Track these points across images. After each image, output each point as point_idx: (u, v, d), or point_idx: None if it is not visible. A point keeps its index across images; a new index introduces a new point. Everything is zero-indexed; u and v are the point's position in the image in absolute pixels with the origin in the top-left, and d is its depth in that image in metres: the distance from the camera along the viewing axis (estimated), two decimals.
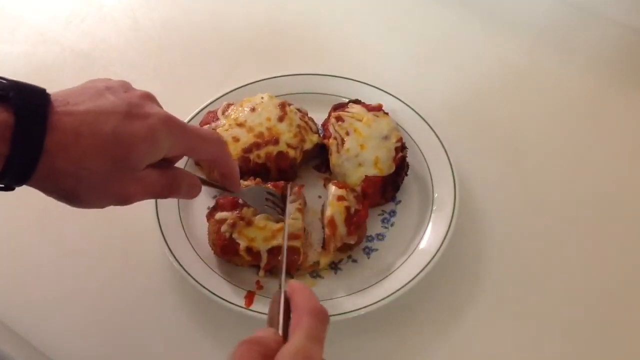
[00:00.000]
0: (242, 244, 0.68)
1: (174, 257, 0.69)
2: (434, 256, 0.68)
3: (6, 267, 0.73)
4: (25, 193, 0.76)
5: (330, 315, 0.63)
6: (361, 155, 0.74)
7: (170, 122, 0.52)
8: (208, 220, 0.71)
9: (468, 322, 0.69)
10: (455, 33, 1.02)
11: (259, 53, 0.99)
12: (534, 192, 0.81)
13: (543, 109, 0.91)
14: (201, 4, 1.06)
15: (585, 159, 0.85)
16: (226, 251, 0.68)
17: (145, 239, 0.72)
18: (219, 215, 0.69)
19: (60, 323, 0.69)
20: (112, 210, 0.75)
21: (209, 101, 0.83)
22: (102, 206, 0.51)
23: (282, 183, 0.72)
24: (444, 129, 0.80)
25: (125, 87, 0.52)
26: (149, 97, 0.53)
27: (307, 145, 0.78)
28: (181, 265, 0.68)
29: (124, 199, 0.51)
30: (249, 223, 0.68)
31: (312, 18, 1.04)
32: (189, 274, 0.67)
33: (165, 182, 0.54)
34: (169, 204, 0.73)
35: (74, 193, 0.49)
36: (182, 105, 0.84)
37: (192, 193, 0.59)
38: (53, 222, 0.76)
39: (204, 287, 0.67)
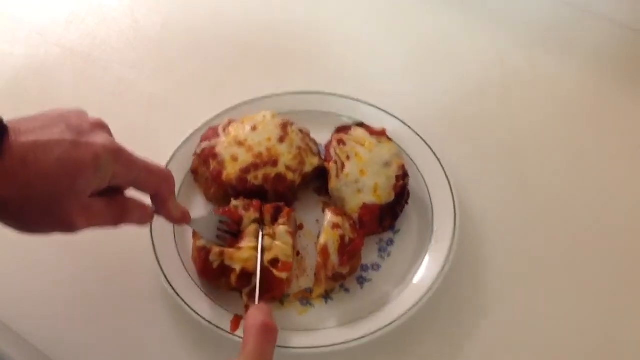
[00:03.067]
0: (237, 268, 0.66)
1: (166, 279, 0.68)
2: (428, 291, 0.66)
3: (6, 267, 0.73)
4: None
5: (319, 347, 0.64)
6: (361, 181, 0.72)
7: (116, 151, 0.53)
8: (193, 236, 0.70)
9: (467, 354, 0.68)
10: (456, 38, 1.01)
11: (259, 53, 0.98)
12: (539, 219, 0.78)
13: (547, 117, 0.90)
14: (201, 4, 1.06)
15: (594, 174, 0.83)
16: (206, 274, 0.67)
17: (144, 240, 0.71)
18: (200, 242, 0.68)
19: (60, 323, 0.69)
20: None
21: (211, 116, 0.81)
22: (48, 233, 0.52)
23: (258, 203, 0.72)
24: (444, 142, 0.80)
25: (79, 114, 0.53)
26: (100, 125, 0.54)
27: (307, 169, 0.76)
28: (172, 288, 0.67)
29: (69, 227, 0.52)
30: (238, 248, 0.67)
31: (314, 21, 1.04)
32: (181, 298, 0.66)
33: (113, 211, 0.55)
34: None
35: (18, 220, 0.51)
36: (182, 105, 0.84)
37: (144, 220, 0.60)
38: None
39: (193, 310, 0.65)
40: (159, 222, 0.71)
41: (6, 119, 0.49)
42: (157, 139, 0.78)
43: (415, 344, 0.67)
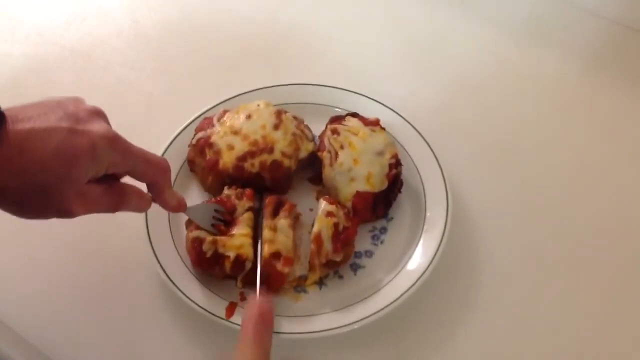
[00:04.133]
0: (231, 255, 0.67)
1: (161, 266, 0.68)
2: (421, 276, 0.67)
3: (6, 267, 0.73)
4: None
5: (313, 332, 0.64)
6: (354, 170, 0.73)
7: (113, 139, 0.53)
8: (186, 227, 0.70)
9: (459, 341, 0.68)
10: (453, 34, 1.02)
11: (259, 54, 0.99)
12: (531, 208, 0.80)
13: (542, 112, 0.91)
14: (201, 5, 1.06)
15: (588, 168, 0.85)
16: (201, 264, 0.68)
17: (143, 239, 0.71)
18: (193, 234, 0.68)
19: (60, 323, 0.69)
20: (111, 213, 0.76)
21: (206, 108, 0.82)
22: (46, 218, 0.53)
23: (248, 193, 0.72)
24: (438, 135, 0.80)
25: (76, 102, 0.54)
26: (97, 113, 0.54)
27: (302, 154, 0.77)
28: (167, 276, 0.67)
29: (67, 213, 0.53)
30: (230, 235, 0.68)
31: (312, 21, 1.05)
32: (176, 286, 0.67)
33: (110, 198, 0.56)
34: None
35: (17, 206, 0.51)
36: (182, 105, 0.84)
37: (142, 207, 0.61)
38: (53, 222, 0.74)
39: (189, 298, 0.66)
40: (154, 213, 0.71)
41: (3, 107, 0.49)
42: (156, 138, 0.78)
43: (408, 329, 0.69)
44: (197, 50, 0.99)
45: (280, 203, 0.72)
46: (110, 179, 0.56)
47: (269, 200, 0.71)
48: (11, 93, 0.92)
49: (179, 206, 0.65)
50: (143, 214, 0.71)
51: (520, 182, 0.83)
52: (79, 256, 0.73)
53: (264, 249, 0.66)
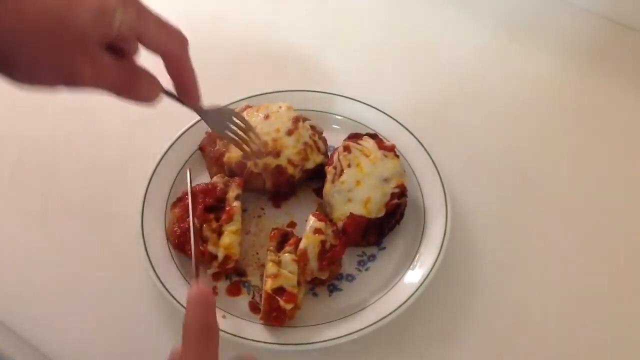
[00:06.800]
0: (220, 255, 0.68)
1: (154, 270, 0.69)
2: (388, 315, 0.65)
3: (6, 267, 0.74)
4: (26, 194, 0.80)
5: (272, 343, 0.64)
6: (354, 191, 0.72)
7: None
8: (171, 209, 0.72)
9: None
10: (451, 36, 1.01)
11: (260, 55, 0.98)
12: (529, 212, 0.79)
13: (540, 114, 0.90)
14: (201, 5, 1.06)
15: (593, 175, 0.83)
16: (181, 247, 0.69)
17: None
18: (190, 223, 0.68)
19: (60, 323, 0.70)
20: (112, 211, 0.77)
21: (236, 99, 0.83)
22: (48, 83, 0.46)
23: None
24: (435, 138, 0.80)
25: None
26: None
27: (309, 165, 0.76)
28: (162, 284, 0.68)
29: (73, 77, 0.45)
30: (220, 232, 0.69)
31: (312, 25, 1.04)
32: (155, 271, 0.68)
33: (122, 73, 0.48)
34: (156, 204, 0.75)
35: (14, 56, 0.43)
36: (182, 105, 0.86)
37: (152, 93, 0.52)
38: (53, 223, 0.78)
39: (163, 285, 0.67)
40: (152, 214, 0.73)
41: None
42: (156, 138, 0.78)
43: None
44: (197, 49, 0.95)
45: (286, 237, 0.70)
46: (122, 57, 0.49)
47: (274, 234, 0.70)
48: (10, 91, 0.94)
49: (197, 91, 0.57)
50: (140, 213, 0.73)
51: (520, 183, 0.82)
52: (79, 257, 0.74)
53: (267, 284, 0.65)
